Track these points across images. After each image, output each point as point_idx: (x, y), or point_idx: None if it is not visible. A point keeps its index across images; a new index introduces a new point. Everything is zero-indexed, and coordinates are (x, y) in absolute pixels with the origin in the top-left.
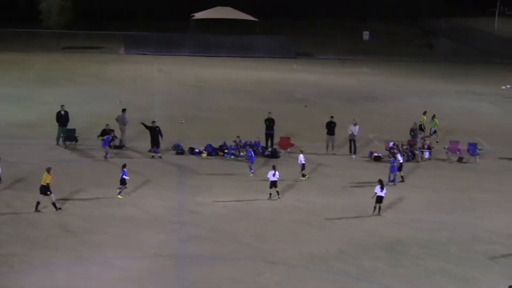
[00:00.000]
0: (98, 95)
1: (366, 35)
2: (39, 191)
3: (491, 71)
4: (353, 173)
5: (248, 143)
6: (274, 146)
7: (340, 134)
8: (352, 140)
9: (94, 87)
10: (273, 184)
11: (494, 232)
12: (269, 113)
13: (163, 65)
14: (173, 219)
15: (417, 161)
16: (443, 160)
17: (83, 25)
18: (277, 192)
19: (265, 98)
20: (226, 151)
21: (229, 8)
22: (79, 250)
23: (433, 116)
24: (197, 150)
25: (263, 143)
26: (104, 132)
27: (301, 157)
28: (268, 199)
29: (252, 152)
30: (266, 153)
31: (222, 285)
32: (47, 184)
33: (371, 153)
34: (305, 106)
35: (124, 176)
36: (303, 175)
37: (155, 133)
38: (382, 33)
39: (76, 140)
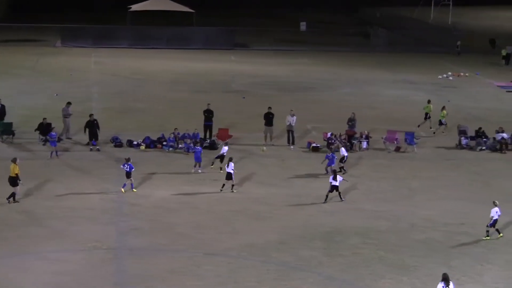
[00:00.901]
0: (34, 88)
1: (303, 26)
2: (8, 183)
3: (428, 61)
4: (292, 164)
5: (186, 135)
6: (213, 138)
7: (278, 125)
8: (290, 130)
9: (30, 80)
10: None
11: (432, 220)
12: (208, 104)
13: (101, 57)
14: (112, 212)
15: (355, 151)
16: (381, 149)
17: (18, 17)
18: (232, 185)
19: (203, 89)
20: (164, 143)
21: (165, 0)
22: (16, 244)
23: (443, 108)
24: (135, 143)
25: (201, 135)
26: (42, 126)
27: (225, 149)
28: (221, 190)
29: (200, 153)
30: (205, 144)
31: (162, 276)
32: (16, 174)
33: (309, 143)
34: (243, 98)
35: (128, 169)
36: (212, 163)
37: (93, 126)
38: (320, 23)
39: (13, 134)
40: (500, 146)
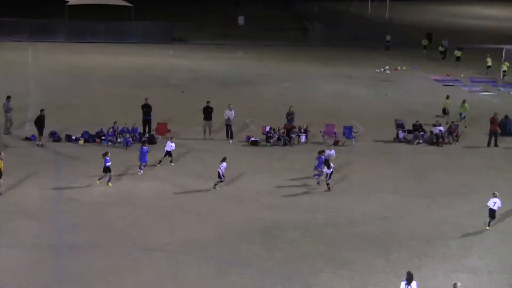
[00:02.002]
0: None
1: (241, 20)
2: None
3: (365, 55)
4: (230, 158)
5: (125, 129)
6: (152, 132)
7: (217, 119)
8: (228, 125)
9: None
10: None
11: (369, 214)
12: (146, 99)
13: (38, 51)
14: (50, 208)
15: (293, 145)
16: (319, 143)
17: None
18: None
19: (141, 84)
20: (103, 137)
21: None
22: None
23: (463, 101)
24: (73, 137)
25: (140, 129)
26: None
27: (170, 145)
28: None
29: (147, 152)
30: (144, 139)
31: (101, 273)
32: None
33: (248, 137)
34: (182, 92)
35: (108, 164)
36: (159, 162)
37: (42, 121)
38: (257, 18)
39: None
40: (436, 139)
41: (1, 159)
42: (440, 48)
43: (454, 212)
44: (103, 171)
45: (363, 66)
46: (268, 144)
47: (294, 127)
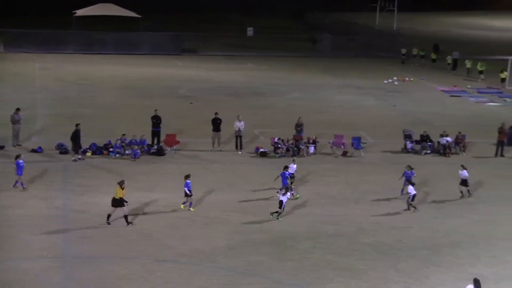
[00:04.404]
0: None
1: (250, 31)
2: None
3: (374, 66)
4: (240, 169)
5: (133, 141)
6: (160, 144)
7: (226, 130)
8: (238, 136)
9: None
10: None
11: (380, 223)
12: (155, 110)
13: (46, 63)
14: (58, 219)
15: (302, 156)
16: (328, 154)
17: None
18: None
19: (150, 95)
20: (111, 149)
21: (111, 5)
22: None
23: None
24: (81, 150)
25: (149, 141)
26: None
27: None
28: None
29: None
30: (152, 150)
31: (111, 284)
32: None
33: (257, 148)
34: (191, 103)
35: (187, 189)
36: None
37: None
38: (267, 28)
39: None
40: (444, 150)
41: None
42: (448, 60)
43: (462, 221)
44: (185, 195)
45: (372, 77)
46: (277, 155)
47: (302, 138)
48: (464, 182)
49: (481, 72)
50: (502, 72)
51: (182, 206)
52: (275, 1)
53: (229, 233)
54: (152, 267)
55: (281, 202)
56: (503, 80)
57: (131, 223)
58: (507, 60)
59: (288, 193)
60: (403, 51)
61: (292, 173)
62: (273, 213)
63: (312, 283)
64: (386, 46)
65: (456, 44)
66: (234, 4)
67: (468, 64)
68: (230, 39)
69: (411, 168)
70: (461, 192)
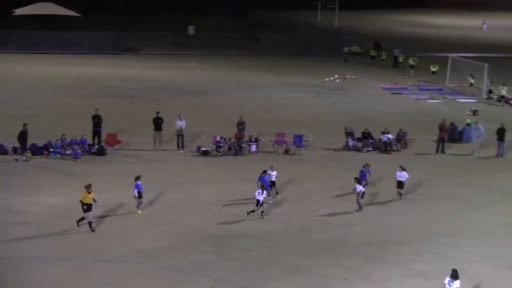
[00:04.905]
0: None
1: (191, 30)
2: None
3: (316, 64)
4: (182, 168)
5: (73, 141)
6: (101, 143)
7: (168, 129)
8: (180, 135)
9: None
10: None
11: (323, 221)
12: (96, 109)
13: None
14: (0, 220)
15: (244, 154)
16: (270, 152)
17: None
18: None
19: (91, 94)
20: (51, 150)
21: (51, 4)
22: None
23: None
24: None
25: (89, 141)
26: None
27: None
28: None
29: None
30: (93, 150)
31: (53, 285)
32: None
33: (199, 147)
34: (132, 103)
35: (137, 190)
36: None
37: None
38: (210, 27)
39: None
40: (385, 147)
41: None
42: (383, 57)
43: (404, 218)
44: (137, 197)
45: (314, 75)
46: (219, 153)
47: (244, 137)
48: (400, 184)
49: (412, 66)
50: (433, 66)
51: (139, 211)
52: (217, 0)
53: (172, 233)
54: (93, 267)
55: (258, 201)
56: (433, 73)
57: (93, 230)
58: (444, 56)
59: (265, 193)
60: (346, 49)
61: (273, 181)
62: (250, 212)
63: (257, 281)
64: (328, 44)
65: (397, 41)
66: (176, 3)
67: (401, 59)
68: (172, 38)
69: (368, 166)
70: (400, 193)
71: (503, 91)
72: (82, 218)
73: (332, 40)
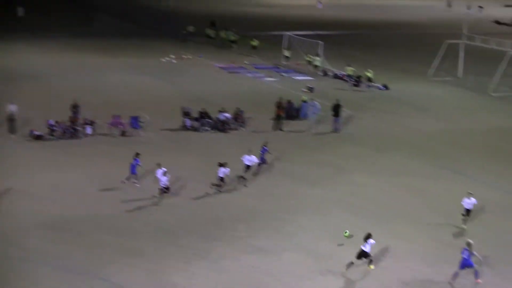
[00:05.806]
0: None
1: (21, 11)
2: None
3: (153, 45)
4: (13, 153)
5: None
6: None
7: None
8: (11, 119)
9: None
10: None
11: (159, 203)
12: None
13: None
14: None
15: (79, 138)
16: (105, 135)
17: None
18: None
19: None
20: None
21: None
22: None
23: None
24: None
25: None
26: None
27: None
28: None
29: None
30: None
31: None
32: None
33: (32, 131)
34: None
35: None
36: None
37: None
38: (41, 7)
39: None
40: (223, 126)
41: None
42: (207, 31)
43: (239, 196)
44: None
45: (150, 56)
46: (53, 137)
47: (79, 120)
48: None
49: (233, 41)
50: (252, 40)
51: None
52: None
53: (5, 220)
54: None
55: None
56: (254, 47)
57: None
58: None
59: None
60: (184, 31)
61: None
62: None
63: (92, 264)
64: (166, 25)
65: (235, 21)
66: None
67: (223, 34)
68: None
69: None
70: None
71: (369, 74)
72: None
73: (170, 21)
